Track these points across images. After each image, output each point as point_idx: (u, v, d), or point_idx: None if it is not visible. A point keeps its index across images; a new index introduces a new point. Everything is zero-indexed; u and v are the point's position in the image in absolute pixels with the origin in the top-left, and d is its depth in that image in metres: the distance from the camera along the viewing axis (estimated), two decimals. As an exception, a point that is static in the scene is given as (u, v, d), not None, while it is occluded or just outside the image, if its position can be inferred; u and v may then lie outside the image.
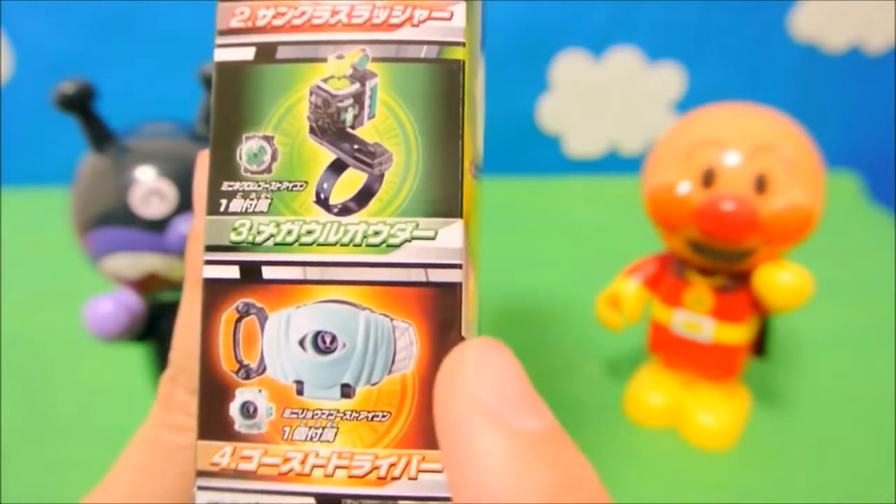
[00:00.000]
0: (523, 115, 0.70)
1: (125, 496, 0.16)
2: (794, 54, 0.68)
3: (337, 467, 0.14)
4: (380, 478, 0.14)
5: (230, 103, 0.15)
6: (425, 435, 0.14)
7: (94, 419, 0.39)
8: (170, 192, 0.31)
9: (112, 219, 0.31)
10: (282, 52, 0.15)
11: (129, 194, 0.31)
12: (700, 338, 0.36)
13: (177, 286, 0.33)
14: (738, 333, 0.35)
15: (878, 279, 0.54)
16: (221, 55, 0.15)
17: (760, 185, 0.32)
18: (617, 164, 0.71)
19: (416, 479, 0.14)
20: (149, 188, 0.31)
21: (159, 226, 0.31)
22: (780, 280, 0.32)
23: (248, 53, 0.15)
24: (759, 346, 0.37)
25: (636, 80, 0.68)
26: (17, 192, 0.66)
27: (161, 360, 0.35)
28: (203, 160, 0.16)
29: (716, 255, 0.33)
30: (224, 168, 0.15)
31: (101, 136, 0.32)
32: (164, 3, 0.63)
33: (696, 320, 0.36)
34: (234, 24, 0.15)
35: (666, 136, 0.36)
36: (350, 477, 0.14)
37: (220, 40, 0.15)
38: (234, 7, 0.16)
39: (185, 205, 0.31)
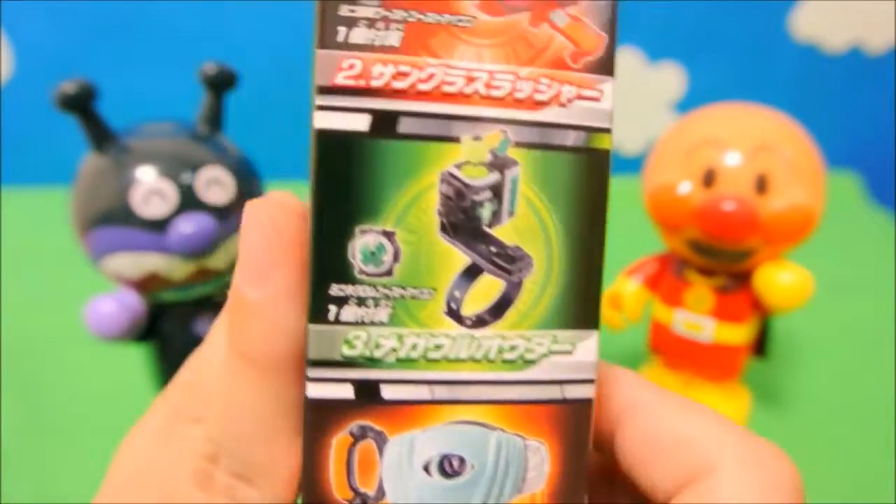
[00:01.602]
0: (523, 115, 0.70)
1: None
2: (794, 54, 0.69)
3: None
4: None
5: (338, 185, 0.12)
6: None
7: (94, 419, 0.39)
8: (170, 192, 0.31)
9: (113, 219, 0.31)
10: (405, 125, 0.12)
11: (129, 194, 0.31)
12: (700, 338, 0.36)
13: (177, 286, 0.33)
14: (739, 333, 0.35)
15: (878, 279, 0.54)
16: (324, 121, 0.12)
17: (761, 185, 0.32)
18: (617, 164, 0.70)
19: None
20: (149, 188, 0.31)
21: (160, 226, 0.31)
22: (781, 280, 0.32)
23: (362, 122, 0.12)
24: (760, 345, 0.37)
25: (636, 80, 0.68)
26: (17, 192, 0.66)
27: (161, 360, 0.35)
28: (253, 212, 0.13)
29: (716, 255, 0.33)
30: (332, 267, 0.12)
31: (101, 136, 0.32)
32: (164, 3, 0.63)
33: (697, 320, 0.36)
34: (341, 80, 0.12)
35: (666, 136, 0.36)
36: None
37: (321, 100, 0.12)
38: (342, 58, 0.12)
39: (185, 205, 0.31)
